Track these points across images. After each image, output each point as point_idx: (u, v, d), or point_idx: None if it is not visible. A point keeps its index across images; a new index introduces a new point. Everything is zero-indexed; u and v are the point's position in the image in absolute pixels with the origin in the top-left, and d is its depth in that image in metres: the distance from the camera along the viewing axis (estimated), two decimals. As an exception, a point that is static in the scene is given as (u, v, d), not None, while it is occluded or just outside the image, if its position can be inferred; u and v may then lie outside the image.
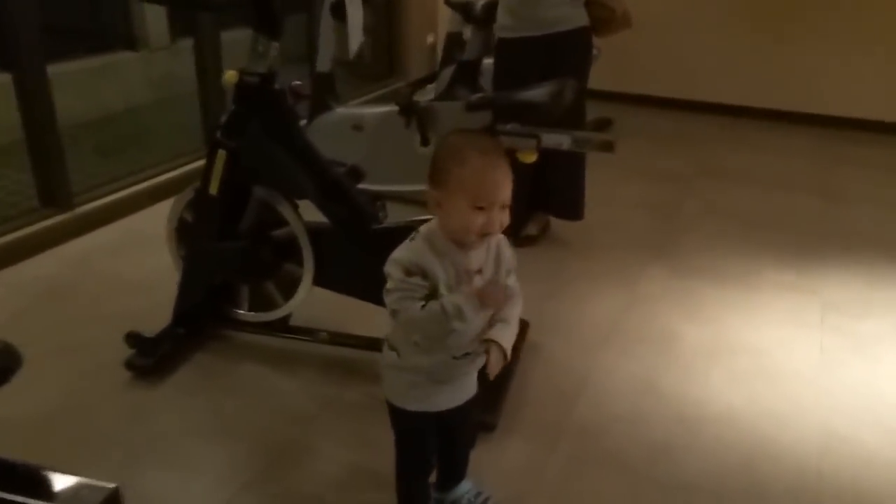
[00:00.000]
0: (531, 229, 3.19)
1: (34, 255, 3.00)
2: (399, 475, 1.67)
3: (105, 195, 3.37)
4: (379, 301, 2.13)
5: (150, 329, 2.35)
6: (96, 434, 2.03)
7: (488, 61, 3.20)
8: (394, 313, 1.42)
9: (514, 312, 1.55)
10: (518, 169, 2.11)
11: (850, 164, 4.30)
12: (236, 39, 3.74)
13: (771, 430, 2.09)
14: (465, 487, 1.78)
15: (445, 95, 3.33)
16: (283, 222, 2.24)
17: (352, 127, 3.32)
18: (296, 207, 2.24)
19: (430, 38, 5.34)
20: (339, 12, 3.17)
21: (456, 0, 3.50)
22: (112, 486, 0.98)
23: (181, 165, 3.65)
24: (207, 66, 3.72)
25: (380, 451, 1.86)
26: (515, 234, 3.17)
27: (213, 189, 2.14)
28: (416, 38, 5.29)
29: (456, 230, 1.40)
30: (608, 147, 1.96)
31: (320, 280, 2.26)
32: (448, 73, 3.73)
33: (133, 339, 2.30)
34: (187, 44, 3.83)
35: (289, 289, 2.31)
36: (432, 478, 1.74)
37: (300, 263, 2.25)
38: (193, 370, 2.31)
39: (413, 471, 1.67)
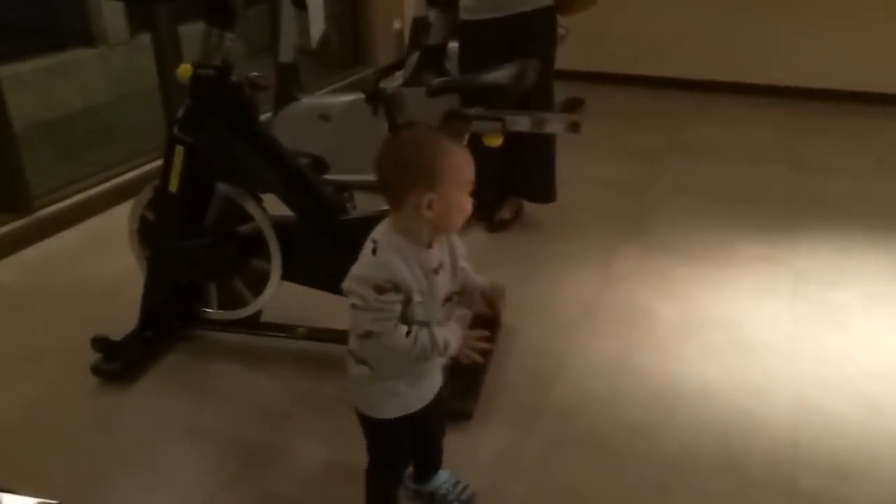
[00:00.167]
0: (504, 213, 3.17)
1: (-6, 262, 2.93)
2: (377, 480, 1.63)
3: (66, 197, 3.29)
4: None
5: (119, 333, 2.30)
6: (64, 444, 1.99)
7: (454, 44, 3.16)
8: (368, 335, 1.35)
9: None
10: (488, 153, 2.10)
11: (817, 133, 4.33)
12: (196, 32, 3.67)
13: (746, 404, 2.10)
14: (444, 477, 1.76)
15: (412, 81, 3.28)
16: (247, 217, 2.20)
17: (318, 117, 3.27)
18: (260, 202, 2.19)
19: (396, 24, 5.27)
20: (299, 1, 3.12)
21: (418, -17, 3.45)
22: (54, 502, 0.94)
23: (144, 163, 3.57)
24: (167, 60, 3.63)
25: (357, 445, 1.82)
26: (489, 218, 3.16)
27: (173, 186, 2.09)
28: (382, 24, 5.22)
29: (454, 223, 1.39)
30: (574, 128, 1.94)
31: (289, 274, 2.23)
32: (415, 58, 3.68)
33: (99, 343, 2.25)
34: (147, 39, 3.74)
35: (257, 285, 2.27)
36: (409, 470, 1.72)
37: (267, 259, 2.21)
38: (163, 372, 2.27)
39: (395, 474, 1.65)
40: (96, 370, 2.21)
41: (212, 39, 1.97)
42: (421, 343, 1.36)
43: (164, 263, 2.24)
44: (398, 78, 3.89)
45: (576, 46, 4.09)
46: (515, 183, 3.16)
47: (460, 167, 1.37)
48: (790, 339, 2.39)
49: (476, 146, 2.05)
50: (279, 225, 2.18)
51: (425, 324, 1.40)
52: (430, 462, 1.74)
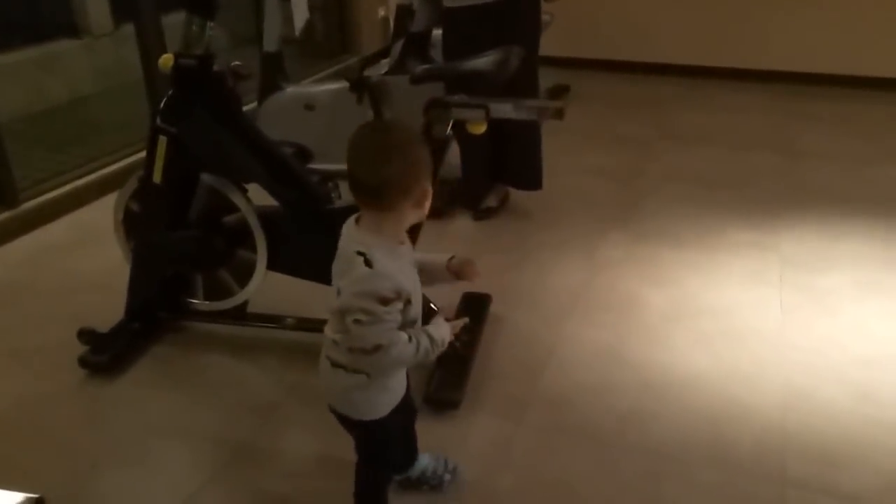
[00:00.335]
0: (491, 201, 3.16)
1: (-21, 256, 2.91)
2: (373, 480, 1.62)
3: (52, 189, 3.27)
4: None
5: (106, 325, 2.28)
6: (52, 437, 1.98)
7: (438, 32, 3.14)
8: (377, 348, 1.32)
9: None
10: (474, 141, 2.08)
11: (806, 118, 4.32)
12: (180, 23, 3.63)
13: (735, 391, 2.10)
14: (425, 461, 1.76)
15: (396, 69, 3.26)
16: (232, 208, 2.18)
17: (303, 106, 3.25)
18: (245, 192, 2.17)
19: (381, 12, 5.23)
20: (281, -10, 3.09)
21: (402, -30, 3.42)
22: (36, 496, 0.93)
23: (130, 155, 3.55)
24: (151, 51, 3.60)
25: (347, 437, 1.82)
26: (475, 206, 3.14)
27: (157, 177, 2.07)
28: (367, 12, 5.18)
29: (426, 212, 1.39)
30: (558, 114, 1.92)
31: (275, 264, 2.21)
32: (400, 46, 3.65)
33: (86, 335, 2.25)
34: (131, 30, 3.70)
35: (243, 275, 2.25)
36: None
37: (253, 249, 2.20)
38: (151, 364, 2.26)
39: (391, 471, 1.65)
40: (83, 362, 2.20)
41: (193, 29, 1.94)
42: (423, 346, 1.37)
43: (149, 255, 2.23)
44: (384, 66, 3.86)
45: (561, 32, 4.07)
46: (501, 170, 3.15)
47: (428, 158, 1.38)
48: (779, 327, 2.39)
49: (461, 134, 2.04)
50: (264, 215, 2.17)
51: (415, 321, 1.40)
52: (412, 449, 1.74)
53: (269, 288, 2.27)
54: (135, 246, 2.26)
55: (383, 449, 1.57)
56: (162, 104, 2.06)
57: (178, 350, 2.32)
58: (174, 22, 3.58)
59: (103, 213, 3.20)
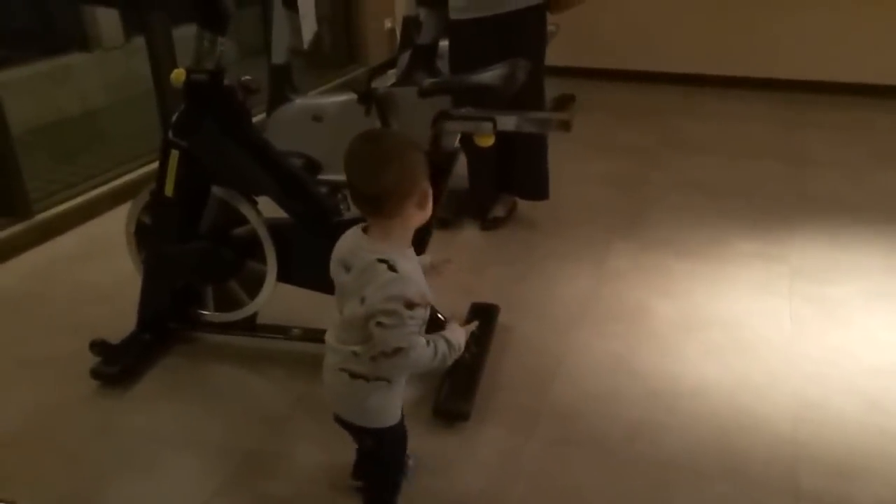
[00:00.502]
0: (498, 211, 3.17)
1: (-8, 267, 2.94)
2: (392, 488, 1.65)
3: (64, 201, 3.29)
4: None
5: (116, 336, 2.30)
6: (62, 448, 1.99)
7: (445, 43, 3.15)
8: (397, 351, 1.36)
9: None
10: (481, 151, 2.10)
11: (809, 126, 4.33)
12: (189, 36, 3.66)
13: (745, 402, 2.10)
14: None
15: (404, 81, 3.28)
16: (243, 220, 2.20)
17: (311, 118, 3.26)
18: (255, 204, 2.19)
19: (388, 23, 5.27)
20: (290, 2, 3.11)
21: (409, -17, 3.44)
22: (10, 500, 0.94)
23: (141, 166, 3.58)
24: (161, 64, 3.63)
25: (354, 448, 1.84)
26: (483, 217, 3.16)
27: (169, 190, 2.09)
28: (373, 23, 5.22)
29: (429, 213, 1.43)
30: (565, 126, 1.94)
31: (284, 276, 2.23)
32: (406, 57, 3.67)
33: (98, 347, 2.26)
34: (142, 42, 3.74)
35: (253, 287, 2.27)
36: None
37: (263, 261, 2.21)
38: (161, 375, 2.27)
39: (404, 469, 1.67)
40: (95, 374, 2.21)
41: (204, 44, 1.97)
42: (441, 350, 1.41)
43: (160, 266, 2.24)
44: (391, 77, 3.88)
45: (566, 43, 4.09)
46: (508, 181, 3.16)
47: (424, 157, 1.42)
48: (789, 337, 2.38)
49: (468, 146, 2.06)
50: (274, 227, 2.18)
51: (425, 323, 1.43)
52: None
53: (277, 299, 2.29)
54: (146, 258, 2.28)
55: (400, 453, 1.60)
56: (174, 118, 2.08)
57: (188, 361, 2.33)
58: (184, 35, 3.63)
59: (114, 225, 3.23)
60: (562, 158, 3.26)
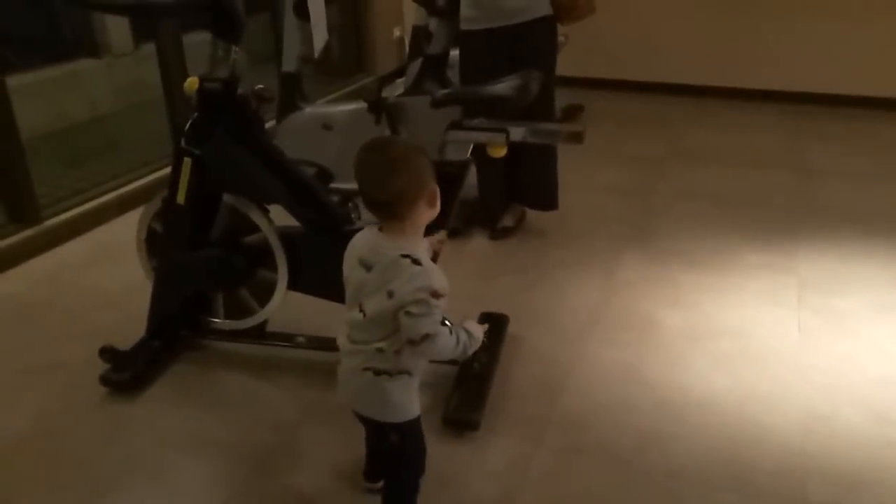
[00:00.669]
0: (507, 221, 3.18)
1: (1, 273, 2.94)
2: (416, 484, 1.67)
3: (73, 207, 3.31)
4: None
5: (126, 343, 2.31)
6: (72, 455, 1.99)
7: (456, 52, 3.17)
8: (425, 338, 1.42)
9: None
10: (490, 161, 2.11)
11: (816, 138, 4.34)
12: (200, 42, 3.68)
13: (754, 413, 2.10)
14: None
15: (414, 90, 3.29)
16: (254, 228, 2.21)
17: (321, 126, 3.28)
18: (266, 212, 2.20)
19: (396, 32, 5.29)
20: (301, 11, 3.13)
21: (419, -7, 3.46)
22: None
23: (150, 173, 3.60)
24: (171, 70, 3.65)
25: (365, 452, 1.84)
26: (492, 226, 3.16)
27: (181, 198, 2.10)
28: (382, 32, 5.24)
29: (438, 210, 1.50)
30: (577, 138, 1.95)
31: (295, 284, 2.23)
32: (416, 66, 3.69)
33: (107, 353, 2.26)
34: (151, 49, 3.76)
35: (264, 295, 2.27)
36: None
37: (274, 269, 2.22)
38: (171, 382, 2.28)
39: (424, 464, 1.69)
40: (105, 380, 2.22)
41: (218, 52, 1.98)
42: (462, 339, 1.49)
43: (171, 274, 2.25)
44: (399, 86, 3.90)
45: (574, 53, 4.10)
46: (518, 190, 3.17)
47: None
48: (797, 348, 2.39)
49: (478, 155, 2.07)
50: (285, 235, 2.19)
51: None
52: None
53: (286, 307, 2.29)
54: (157, 265, 2.28)
55: (421, 446, 1.64)
56: (187, 126, 2.09)
57: (198, 368, 2.34)
58: (194, 42, 3.65)
59: (123, 231, 3.25)
60: (570, 167, 3.27)
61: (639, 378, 2.25)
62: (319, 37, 2.89)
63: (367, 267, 1.48)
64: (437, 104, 1.98)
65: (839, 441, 1.98)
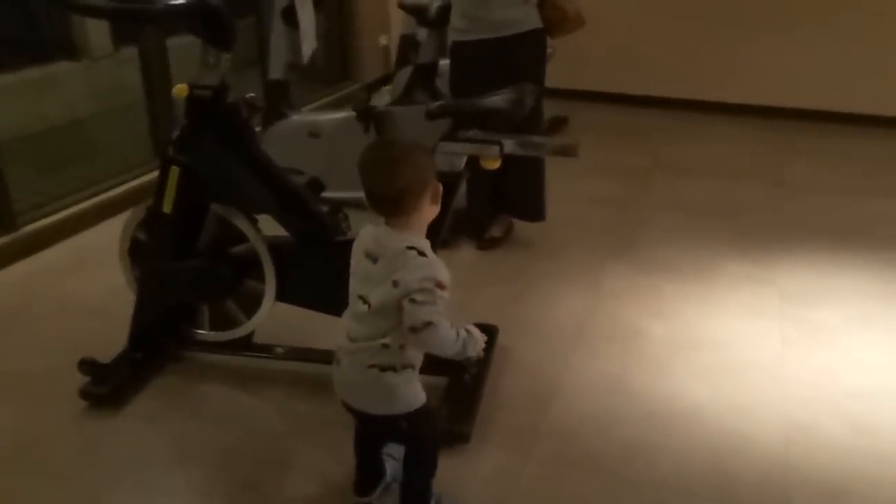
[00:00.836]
0: (495, 231, 3.19)
1: (-23, 281, 2.88)
2: (433, 464, 1.71)
3: (51, 213, 3.24)
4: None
5: (106, 354, 2.26)
6: (51, 470, 1.95)
7: (445, 62, 3.18)
8: (427, 325, 1.47)
9: None
10: (478, 172, 2.11)
11: (793, 152, 4.41)
12: (183, 45, 3.64)
13: (737, 424, 2.12)
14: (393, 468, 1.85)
15: (403, 99, 3.29)
16: (241, 238, 2.18)
17: (308, 134, 3.27)
18: (255, 222, 2.18)
19: (382, 40, 5.29)
20: (290, 18, 3.12)
21: (410, 3, 3.46)
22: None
23: (131, 179, 3.54)
24: (154, 74, 3.61)
25: (352, 468, 1.83)
26: (479, 236, 3.17)
27: (167, 207, 2.07)
28: (368, 40, 5.23)
29: (440, 206, 1.57)
30: (571, 151, 1.96)
31: (283, 295, 2.21)
32: (403, 75, 3.69)
33: (87, 366, 2.20)
34: (131, 52, 3.72)
35: (251, 306, 2.25)
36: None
37: (261, 279, 2.20)
38: (153, 395, 2.24)
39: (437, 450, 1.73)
40: (84, 394, 2.16)
41: (209, 60, 1.96)
42: (462, 335, 1.55)
43: (156, 284, 2.22)
44: (385, 93, 3.90)
45: (559, 65, 4.12)
46: (505, 201, 3.18)
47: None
48: (778, 360, 2.42)
49: (468, 166, 2.07)
50: (274, 246, 2.17)
51: None
52: (380, 461, 1.81)
53: (274, 318, 2.27)
54: (141, 275, 2.24)
55: (434, 427, 1.70)
56: (175, 134, 2.07)
57: (182, 380, 2.30)
58: (176, 45, 3.62)
59: (102, 238, 3.21)
60: (556, 178, 3.28)
61: (624, 389, 2.27)
62: (308, 43, 2.88)
63: (373, 259, 1.53)
64: (431, 116, 1.98)
65: (820, 452, 2.01)
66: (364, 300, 1.54)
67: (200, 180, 2.08)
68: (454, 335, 1.53)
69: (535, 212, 3.18)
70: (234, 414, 2.17)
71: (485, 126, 1.95)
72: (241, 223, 2.14)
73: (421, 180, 1.50)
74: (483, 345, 1.62)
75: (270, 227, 2.20)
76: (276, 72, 3.29)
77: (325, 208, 2.14)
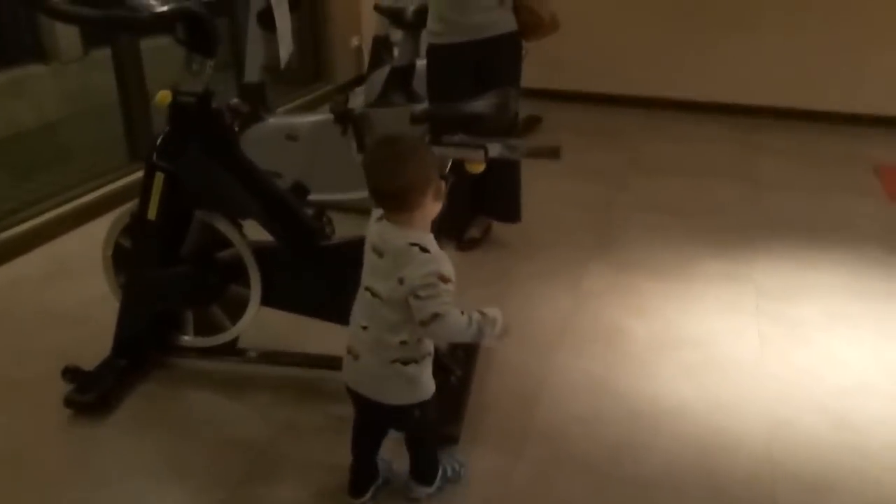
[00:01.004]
0: (474, 232, 3.21)
1: (-50, 290, 2.82)
2: (436, 460, 1.82)
3: (26, 220, 3.18)
4: (329, 317, 2.13)
5: (90, 362, 2.23)
6: (36, 481, 1.92)
7: (421, 63, 3.19)
8: (434, 316, 1.51)
9: None
10: (460, 175, 2.12)
11: (764, 150, 4.49)
12: (156, 48, 3.60)
13: (721, 421, 2.16)
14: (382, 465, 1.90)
15: (380, 101, 3.30)
16: (226, 243, 2.17)
17: (286, 137, 3.25)
18: (240, 228, 2.17)
19: (354, 41, 5.28)
20: (266, 21, 3.10)
21: (386, 5, 3.46)
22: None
23: (107, 184, 3.49)
24: (128, 77, 3.56)
25: (344, 474, 1.83)
26: (459, 237, 3.18)
27: (152, 214, 2.05)
28: (340, 41, 5.21)
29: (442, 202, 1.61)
30: (554, 154, 1.98)
31: (269, 300, 2.21)
32: (377, 77, 3.69)
33: (71, 374, 2.19)
34: (101, 54, 3.66)
35: (236, 311, 2.24)
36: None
37: (246, 284, 2.19)
38: (139, 403, 2.22)
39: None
40: (69, 402, 2.14)
41: (193, 66, 1.94)
42: (475, 318, 1.58)
43: (141, 291, 2.19)
44: (358, 94, 3.89)
45: (532, 65, 4.16)
46: (482, 203, 3.19)
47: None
48: (757, 356, 2.47)
49: (457, 172, 2.08)
50: (259, 251, 2.16)
51: None
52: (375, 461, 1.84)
53: (258, 322, 2.26)
54: (125, 282, 2.22)
55: (435, 410, 1.74)
56: (158, 141, 2.05)
57: (167, 388, 2.28)
58: (149, 47, 3.57)
59: (79, 244, 3.16)
60: (532, 178, 3.31)
61: (609, 389, 2.30)
62: (285, 47, 2.87)
63: (379, 253, 1.59)
64: (415, 121, 1.99)
65: (803, 448, 2.06)
66: (372, 292, 1.59)
67: (185, 187, 2.06)
68: (465, 321, 1.56)
69: (510, 213, 3.20)
70: (221, 420, 2.16)
71: (469, 130, 1.96)
72: (226, 229, 2.13)
73: (425, 177, 1.54)
74: (500, 315, 1.65)
75: (255, 232, 2.19)
76: (252, 75, 3.27)
77: (309, 212, 2.14)
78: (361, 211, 2.47)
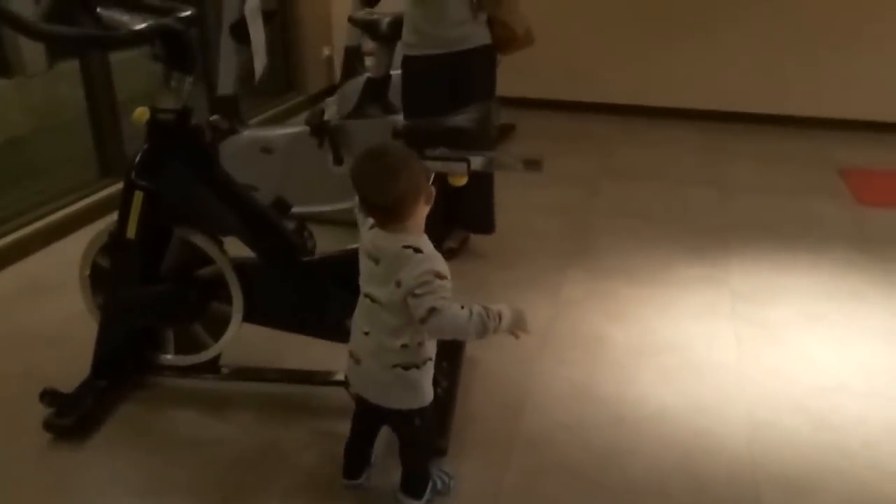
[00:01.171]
0: (451, 243, 3.21)
1: (-83, 314, 2.75)
2: (430, 458, 1.85)
3: (-8, 240, 3.12)
4: (311, 332, 2.12)
5: (68, 384, 2.19)
6: (18, 506, 1.88)
7: (396, 73, 3.19)
8: (432, 311, 1.52)
9: None
10: (438, 187, 2.13)
11: (733, 154, 4.59)
12: (124, 60, 3.55)
13: (703, 424, 2.20)
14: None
15: (356, 113, 3.29)
16: (206, 260, 2.15)
17: (261, 150, 3.23)
18: (221, 244, 2.15)
19: (325, 51, 5.26)
20: (239, 33, 3.08)
21: (360, 17, 3.46)
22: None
23: (76, 200, 3.42)
24: (98, 90, 3.50)
25: (332, 491, 1.83)
26: (437, 249, 3.18)
27: (131, 233, 2.03)
28: (311, 51, 5.20)
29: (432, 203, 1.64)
30: (536, 166, 2.00)
31: (251, 316, 2.19)
32: (350, 88, 3.68)
33: (49, 396, 2.14)
34: (67, 67, 3.59)
35: (217, 328, 2.22)
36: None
37: (228, 301, 2.17)
38: (119, 424, 2.18)
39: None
40: (48, 426, 2.09)
41: (172, 83, 1.92)
42: (476, 311, 1.57)
43: (120, 310, 2.16)
44: (331, 105, 3.88)
45: (505, 73, 4.19)
46: (457, 215, 3.20)
47: None
48: (735, 359, 2.51)
49: (440, 185, 2.09)
50: (240, 267, 2.15)
51: None
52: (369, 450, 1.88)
53: (240, 339, 2.24)
54: (104, 302, 2.18)
55: (432, 418, 1.79)
56: (137, 158, 2.02)
57: (148, 408, 2.25)
58: (118, 59, 3.52)
59: (50, 264, 3.10)
60: (507, 187, 3.32)
61: (592, 395, 2.32)
62: (260, 60, 2.85)
63: (375, 260, 1.61)
64: (398, 135, 2.00)
65: (784, 448, 2.10)
66: (372, 298, 1.62)
67: (165, 204, 2.04)
68: (466, 315, 1.55)
69: (484, 224, 3.22)
70: (204, 440, 2.13)
71: (452, 144, 1.97)
72: (207, 245, 2.11)
73: (416, 186, 1.57)
74: (508, 315, 1.64)
75: (236, 248, 2.18)
76: (225, 88, 3.24)
77: (290, 226, 2.12)
78: (338, 223, 2.47)
